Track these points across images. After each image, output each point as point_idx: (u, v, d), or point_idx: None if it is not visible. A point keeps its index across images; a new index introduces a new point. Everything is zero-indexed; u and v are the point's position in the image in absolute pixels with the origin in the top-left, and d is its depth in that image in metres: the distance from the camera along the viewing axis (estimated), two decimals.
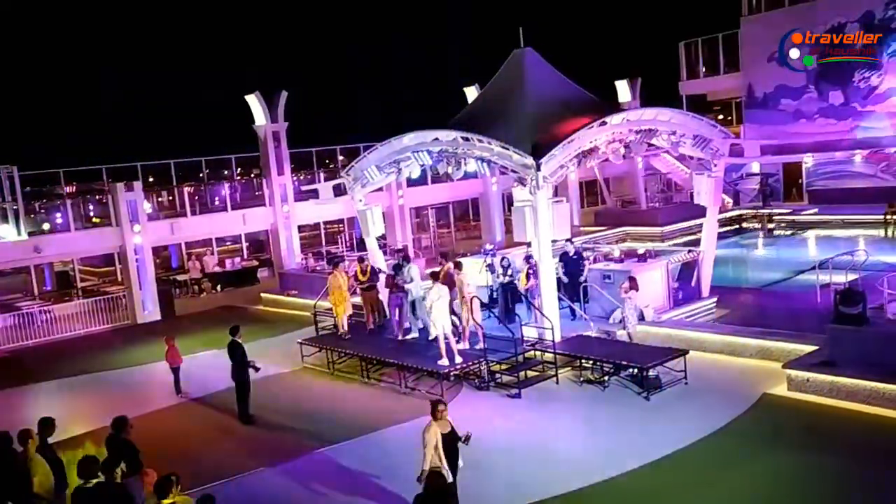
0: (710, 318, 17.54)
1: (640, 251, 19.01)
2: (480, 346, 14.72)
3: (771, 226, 31.35)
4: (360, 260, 17.90)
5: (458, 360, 14.41)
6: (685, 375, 13.67)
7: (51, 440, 9.85)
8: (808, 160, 33.30)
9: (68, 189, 29.58)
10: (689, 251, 18.37)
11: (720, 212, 20.29)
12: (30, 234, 25.33)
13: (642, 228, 30.61)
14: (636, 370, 13.74)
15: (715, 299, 18.05)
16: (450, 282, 15.17)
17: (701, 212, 18.77)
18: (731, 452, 10.92)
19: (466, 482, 9.16)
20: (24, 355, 21.31)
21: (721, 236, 21.30)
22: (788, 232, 30.51)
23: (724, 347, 15.06)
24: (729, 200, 32.71)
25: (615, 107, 26.77)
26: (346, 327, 16.98)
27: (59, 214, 27.75)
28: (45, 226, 27.50)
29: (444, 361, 14.30)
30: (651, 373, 13.49)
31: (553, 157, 15.06)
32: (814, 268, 18.93)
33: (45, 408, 15.19)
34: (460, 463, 8.95)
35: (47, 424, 9.84)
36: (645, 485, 10.24)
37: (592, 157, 16.55)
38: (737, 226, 31.85)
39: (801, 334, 14.31)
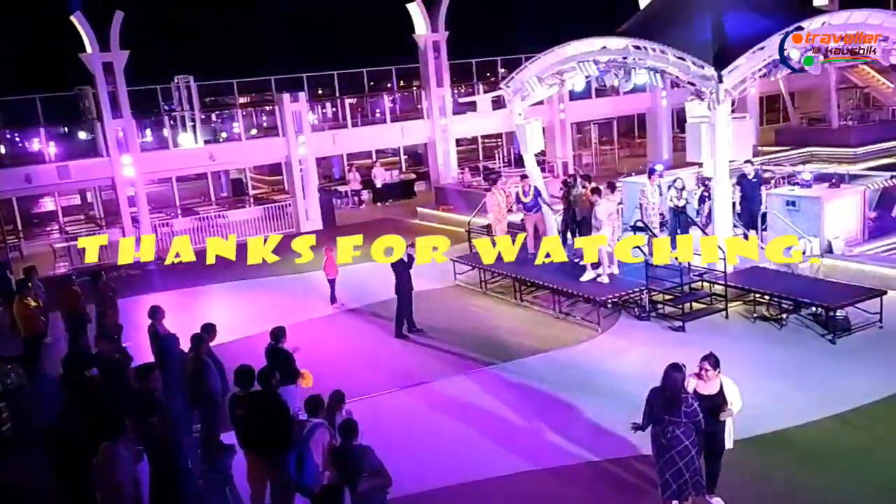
0: None
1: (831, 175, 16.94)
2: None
3: None
4: (523, 177, 17.04)
5: (605, 278, 13.94)
6: (881, 318, 12.08)
7: (212, 344, 10.23)
8: None
9: (241, 100, 30.77)
10: (893, 177, 16.12)
11: None
12: (205, 142, 26.63)
13: (832, 149, 27.50)
14: (822, 309, 12.30)
15: None
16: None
17: None
18: None
19: (620, 418, 8.50)
20: (198, 257, 22.63)
21: None
22: None
23: None
24: None
25: (812, 8, 23.67)
26: None
27: (235, 124, 28.97)
28: (223, 135, 28.83)
29: (590, 274, 13.86)
30: (839, 313, 12.02)
31: (738, 68, 13.43)
32: None
33: (211, 310, 16.07)
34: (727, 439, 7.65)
35: (209, 330, 10.23)
36: (825, 439, 9.15)
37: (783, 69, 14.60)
38: None
39: None
